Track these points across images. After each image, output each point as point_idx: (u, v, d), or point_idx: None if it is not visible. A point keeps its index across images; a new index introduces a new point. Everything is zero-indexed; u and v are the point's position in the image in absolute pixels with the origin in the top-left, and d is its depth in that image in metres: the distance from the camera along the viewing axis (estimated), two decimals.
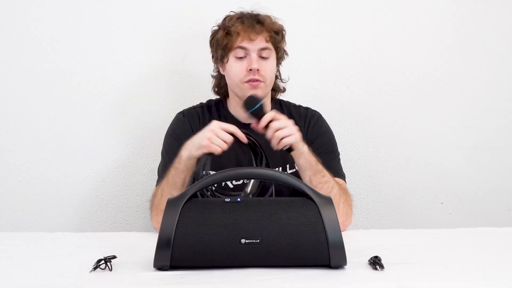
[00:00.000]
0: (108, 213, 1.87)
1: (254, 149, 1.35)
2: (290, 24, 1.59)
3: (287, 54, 1.60)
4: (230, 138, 1.30)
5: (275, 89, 1.61)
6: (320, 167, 1.41)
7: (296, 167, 1.54)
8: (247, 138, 1.33)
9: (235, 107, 1.58)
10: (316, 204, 1.01)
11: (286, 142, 1.33)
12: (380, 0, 1.92)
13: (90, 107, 1.84)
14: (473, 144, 1.97)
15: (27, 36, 1.81)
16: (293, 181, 1.06)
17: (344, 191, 1.47)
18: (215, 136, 1.29)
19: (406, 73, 1.94)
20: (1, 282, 0.96)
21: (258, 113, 1.37)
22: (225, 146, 1.30)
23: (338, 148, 1.62)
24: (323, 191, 1.28)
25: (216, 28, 1.55)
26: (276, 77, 1.59)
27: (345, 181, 1.57)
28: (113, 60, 1.84)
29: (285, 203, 1.03)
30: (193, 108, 1.62)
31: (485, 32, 1.95)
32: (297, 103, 1.67)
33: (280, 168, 1.53)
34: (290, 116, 1.59)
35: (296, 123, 1.53)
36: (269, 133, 1.34)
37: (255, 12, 1.53)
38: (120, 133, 1.85)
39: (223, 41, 1.49)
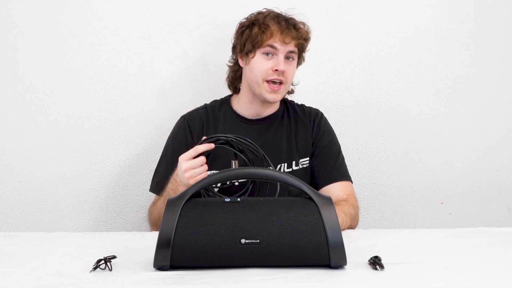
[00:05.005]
0: (108, 213, 1.87)
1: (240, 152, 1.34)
2: None
3: (304, 60, 1.60)
4: (202, 160, 1.33)
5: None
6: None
7: (301, 165, 1.55)
8: (238, 147, 1.33)
9: (245, 103, 1.57)
10: (316, 204, 1.01)
11: None
12: (380, 0, 1.92)
13: (90, 107, 1.84)
14: (473, 144, 1.97)
15: (27, 36, 1.81)
16: (293, 181, 1.05)
17: (350, 211, 1.43)
18: (193, 171, 1.32)
19: (406, 73, 1.94)
20: (1, 282, 0.96)
21: None
22: (206, 167, 1.33)
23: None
24: None
25: (245, 20, 1.54)
26: None
27: (351, 181, 1.57)
28: (113, 60, 1.84)
29: (285, 203, 1.03)
30: (196, 110, 1.61)
31: (486, 32, 1.95)
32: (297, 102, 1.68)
33: (286, 164, 1.54)
34: (295, 114, 1.61)
35: (302, 121, 1.57)
36: None
37: (289, 15, 1.53)
38: (120, 133, 1.85)
39: (256, 37, 1.48)
